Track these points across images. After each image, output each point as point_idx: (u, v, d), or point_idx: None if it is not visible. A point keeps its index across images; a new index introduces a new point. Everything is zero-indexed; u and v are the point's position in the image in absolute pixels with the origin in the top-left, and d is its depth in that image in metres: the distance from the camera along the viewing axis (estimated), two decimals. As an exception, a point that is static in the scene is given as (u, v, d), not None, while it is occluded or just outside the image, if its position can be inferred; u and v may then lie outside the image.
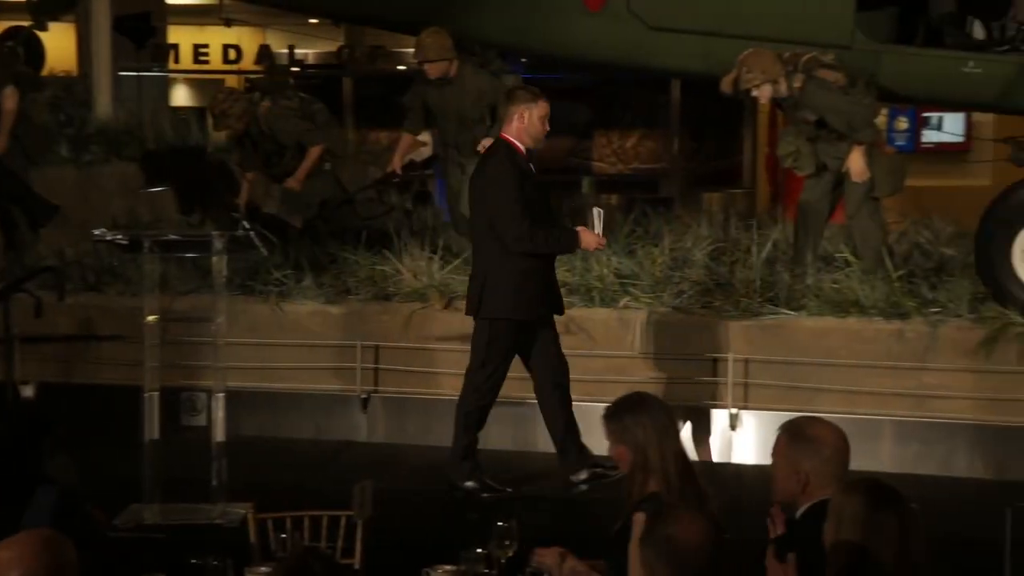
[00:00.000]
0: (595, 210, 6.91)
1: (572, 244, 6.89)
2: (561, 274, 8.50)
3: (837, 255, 8.71)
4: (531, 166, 6.92)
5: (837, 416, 8.09)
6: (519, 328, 6.92)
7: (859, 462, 7.51)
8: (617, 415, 4.32)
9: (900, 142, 13.92)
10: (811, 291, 8.21)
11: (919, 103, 11.13)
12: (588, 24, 9.04)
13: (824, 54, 8.27)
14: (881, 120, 10.01)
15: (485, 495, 6.99)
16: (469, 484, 7.03)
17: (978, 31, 8.73)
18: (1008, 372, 7.64)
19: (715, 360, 8.02)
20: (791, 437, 3.84)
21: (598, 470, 6.98)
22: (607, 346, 8.19)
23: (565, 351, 8.01)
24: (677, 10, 8.89)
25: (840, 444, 3.82)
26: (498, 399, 7.15)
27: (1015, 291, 7.67)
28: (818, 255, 8.57)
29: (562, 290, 8.40)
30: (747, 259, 8.53)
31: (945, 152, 14.06)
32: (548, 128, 6.93)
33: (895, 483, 7.22)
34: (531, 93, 6.92)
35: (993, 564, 5.62)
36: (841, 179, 8.39)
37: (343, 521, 4.67)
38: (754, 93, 8.25)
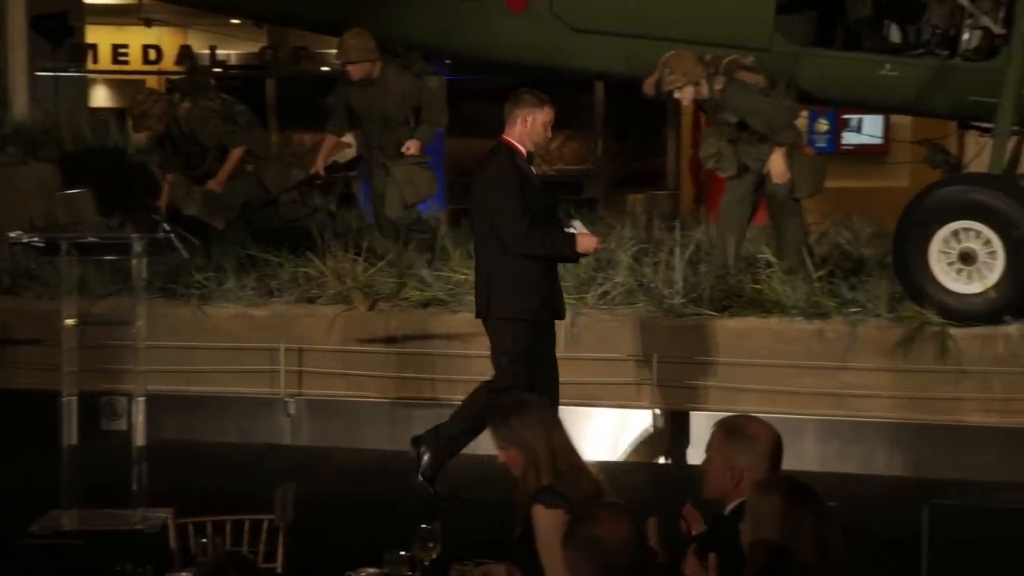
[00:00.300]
0: (574, 222, 6.91)
1: (569, 248, 6.85)
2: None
3: (759, 256, 8.79)
4: (532, 169, 6.94)
5: (759, 415, 8.21)
6: (533, 326, 6.88)
7: (788, 463, 7.65)
8: (504, 419, 4.34)
9: (821, 144, 14.10)
10: (733, 292, 8.28)
11: (838, 105, 11.29)
12: (511, 25, 9.06)
13: (745, 56, 8.35)
14: (802, 122, 10.14)
15: (431, 491, 6.95)
16: (423, 478, 6.96)
17: (895, 35, 8.86)
18: (925, 371, 7.75)
19: (638, 360, 8.06)
20: (727, 433, 3.89)
21: None
22: (529, 347, 8.20)
23: (488, 353, 8.01)
24: (599, 12, 8.93)
25: (775, 442, 3.87)
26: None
27: (932, 291, 7.79)
28: (740, 256, 8.65)
29: (487, 291, 8.46)
30: (670, 260, 8.59)
31: (864, 154, 14.28)
32: (550, 135, 6.93)
33: (816, 481, 7.31)
34: (537, 98, 6.88)
35: (912, 561, 5.70)
36: (762, 180, 8.48)
37: (265, 525, 4.64)
38: (676, 95, 8.31)
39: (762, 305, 8.16)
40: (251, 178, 9.50)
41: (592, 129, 14.16)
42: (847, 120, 14.31)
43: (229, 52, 16.28)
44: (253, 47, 15.58)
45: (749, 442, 3.83)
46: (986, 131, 8.60)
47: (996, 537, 6.06)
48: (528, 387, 6.73)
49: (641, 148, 14.46)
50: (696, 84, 8.23)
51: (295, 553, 4.72)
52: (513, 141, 6.80)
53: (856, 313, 8.00)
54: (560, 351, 8.17)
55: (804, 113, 11.17)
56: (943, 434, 7.73)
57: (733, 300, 8.23)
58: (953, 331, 7.72)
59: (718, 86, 8.26)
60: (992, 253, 7.75)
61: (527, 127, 6.76)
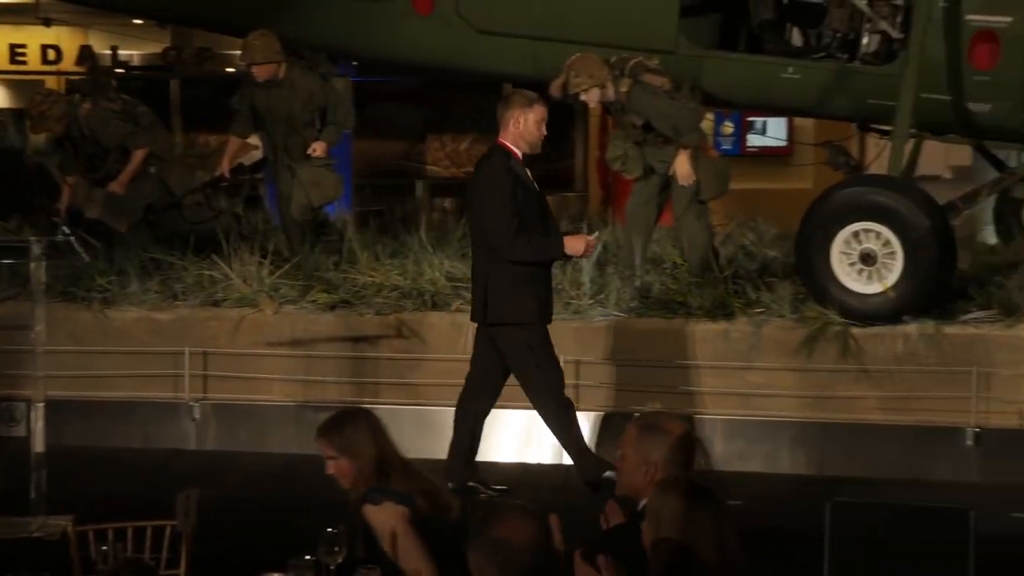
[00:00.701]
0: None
1: (557, 252, 6.86)
2: (392, 277, 8.51)
3: (665, 257, 8.87)
4: (528, 171, 6.93)
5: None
6: (534, 327, 6.88)
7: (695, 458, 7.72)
8: (336, 428, 4.39)
9: (726, 146, 14.24)
10: (640, 293, 8.35)
11: (743, 108, 11.42)
12: (417, 27, 9.05)
13: (649, 59, 8.43)
14: (707, 124, 10.26)
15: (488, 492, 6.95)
16: (602, 475, 6.88)
17: (797, 38, 8.99)
18: (828, 370, 7.88)
19: (547, 362, 8.08)
20: (642, 429, 3.93)
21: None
22: (440, 349, 8.21)
23: (396, 355, 8.01)
24: (504, 14, 8.96)
25: (689, 438, 3.93)
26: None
27: (834, 291, 7.92)
28: (647, 257, 8.72)
29: (393, 294, 8.44)
30: (577, 261, 8.63)
31: (769, 156, 14.44)
32: (545, 132, 6.93)
33: (722, 480, 7.39)
34: (526, 98, 6.91)
35: (815, 558, 5.78)
36: (668, 182, 8.55)
37: (168, 531, 4.59)
38: (582, 97, 8.36)
39: (668, 306, 8.23)
40: (154, 180, 9.39)
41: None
42: (752, 122, 14.46)
43: (132, 53, 16.04)
44: (156, 48, 15.37)
45: (663, 438, 3.87)
46: (885, 133, 8.76)
47: (897, 534, 6.17)
48: (562, 382, 6.86)
49: (549, 150, 14.48)
50: (602, 86, 8.29)
51: (200, 559, 4.67)
52: (508, 144, 6.84)
53: (760, 313, 8.11)
54: (467, 353, 8.21)
55: (709, 115, 11.32)
56: (845, 432, 7.86)
57: (640, 301, 8.29)
58: (854, 331, 7.85)
59: (623, 88, 8.32)
60: (891, 254, 7.89)
61: (520, 128, 6.79)
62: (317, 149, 8.92)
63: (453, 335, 8.21)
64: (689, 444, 3.88)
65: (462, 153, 14.24)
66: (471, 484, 7.02)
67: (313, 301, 8.44)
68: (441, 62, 9.33)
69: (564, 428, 7.00)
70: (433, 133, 14.23)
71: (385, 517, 4.19)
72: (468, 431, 7.03)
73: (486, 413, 7.08)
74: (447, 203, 13.20)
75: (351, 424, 4.39)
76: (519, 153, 6.83)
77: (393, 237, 9.54)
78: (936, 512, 6.18)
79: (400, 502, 4.22)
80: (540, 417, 7.04)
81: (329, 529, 4.15)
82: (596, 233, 7.23)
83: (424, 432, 8.08)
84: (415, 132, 14.19)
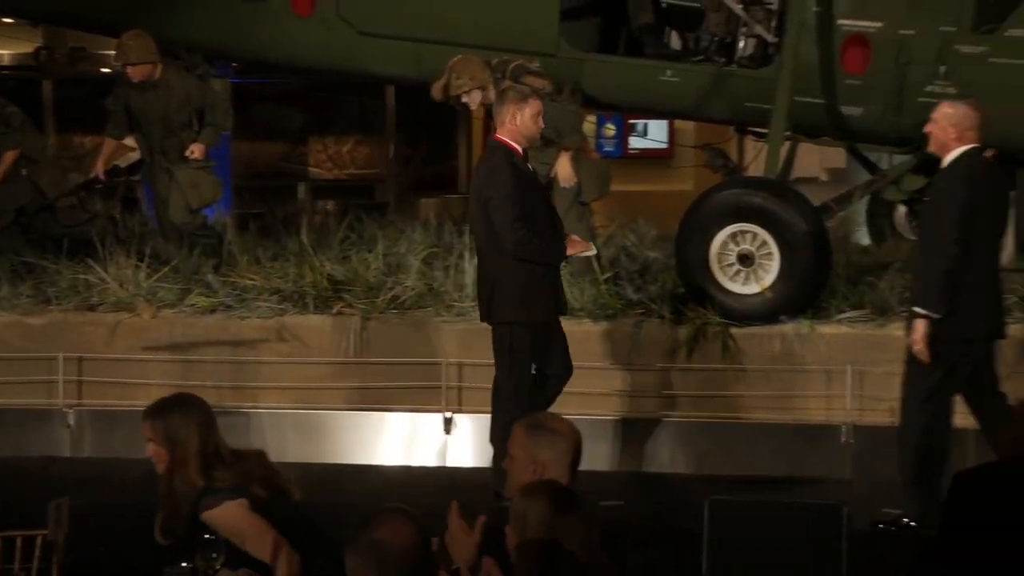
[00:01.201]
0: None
1: (558, 255, 6.89)
2: (272, 280, 8.44)
3: (546, 258, 8.90)
4: (529, 166, 6.93)
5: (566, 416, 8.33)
6: (536, 329, 6.86)
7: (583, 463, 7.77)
8: (161, 413, 4.34)
9: (608, 148, 14.37)
10: (522, 294, 8.38)
11: (623, 110, 11.54)
12: (297, 28, 8.99)
13: (530, 61, 8.48)
14: (589, 127, 10.34)
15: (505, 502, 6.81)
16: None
17: (675, 42, 9.11)
18: (708, 369, 7.99)
19: (429, 364, 8.10)
20: (529, 429, 3.98)
21: None
22: (321, 353, 8.17)
23: (277, 359, 7.95)
24: (386, 16, 8.94)
25: (576, 438, 3.97)
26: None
27: (713, 292, 8.04)
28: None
29: (274, 297, 8.38)
30: (460, 264, 8.65)
31: (650, 158, 14.61)
32: (543, 125, 6.92)
33: (603, 481, 7.46)
34: (520, 93, 6.89)
35: (694, 555, 5.87)
36: (550, 184, 8.60)
37: (39, 540, 4.50)
38: (464, 99, 8.37)
39: (550, 307, 8.27)
40: (26, 182, 9.21)
41: (383, 133, 14.15)
42: (633, 125, 14.63)
43: (2, 52, 15.69)
44: (28, 47, 15.04)
45: (551, 437, 3.92)
46: (762, 136, 8.92)
47: (773, 531, 6.28)
48: (527, 390, 6.81)
49: (433, 152, 14.51)
50: (483, 88, 8.31)
51: (72, 568, 4.59)
52: (507, 140, 6.82)
53: (641, 314, 8.20)
54: (350, 356, 8.19)
55: (591, 118, 11.41)
56: (724, 431, 7.98)
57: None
58: (733, 331, 7.98)
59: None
60: (768, 255, 8.04)
61: (517, 124, 6.78)
62: (195, 151, 8.82)
63: (335, 338, 8.18)
64: (576, 443, 3.93)
65: (345, 155, 14.19)
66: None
67: (192, 305, 8.34)
68: (322, 64, 9.29)
69: (506, 439, 6.97)
70: (315, 135, 14.16)
71: (226, 515, 4.15)
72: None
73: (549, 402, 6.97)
74: (329, 205, 13.14)
75: (178, 414, 4.30)
76: (519, 148, 6.85)
77: (274, 240, 9.47)
78: (811, 508, 6.31)
79: (234, 495, 4.18)
80: (491, 419, 6.98)
81: (206, 536, 4.11)
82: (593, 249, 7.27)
83: (306, 436, 8.05)
84: (297, 134, 14.11)
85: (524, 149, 6.88)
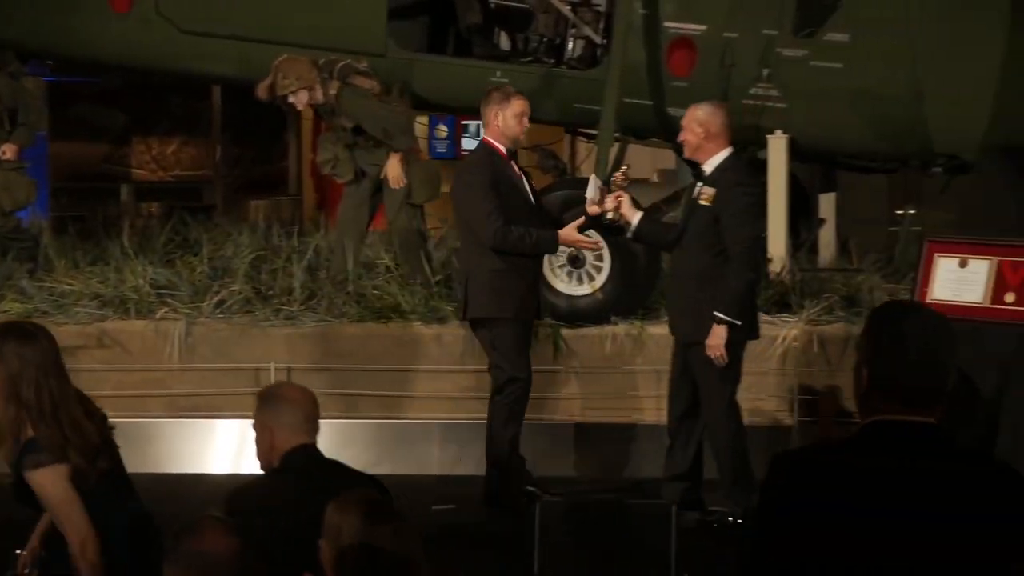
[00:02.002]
0: (591, 178, 6.91)
1: (549, 245, 6.88)
2: (92, 285, 8.25)
3: (378, 261, 8.90)
4: (514, 165, 6.87)
5: (383, 421, 8.36)
6: (514, 326, 6.80)
7: (406, 467, 7.76)
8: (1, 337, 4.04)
9: (441, 149, 14.39)
10: (352, 297, 8.36)
11: (453, 111, 11.57)
12: (115, 26, 8.80)
13: (358, 61, 8.45)
14: (421, 128, 10.34)
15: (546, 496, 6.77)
16: (530, 489, 6.83)
17: (505, 42, 9.18)
18: (542, 371, 8.05)
19: (257, 369, 8.01)
20: (262, 399, 4.11)
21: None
22: (144, 359, 8.02)
23: (97, 365, 7.76)
24: (208, 14, 8.81)
25: (307, 403, 4.07)
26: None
27: (545, 293, 8.10)
28: (359, 261, 8.74)
29: (93, 303, 8.19)
30: (288, 267, 8.57)
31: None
32: (527, 124, 6.91)
33: (435, 485, 7.45)
34: (503, 94, 6.86)
35: (525, 557, 5.92)
36: (380, 186, 8.59)
37: None
38: (290, 99, 8.30)
39: (381, 311, 8.27)
40: None
41: (209, 134, 13.94)
42: (466, 126, 14.66)
43: None
44: None
45: (281, 404, 4.03)
46: (591, 137, 9.04)
47: (605, 531, 6.39)
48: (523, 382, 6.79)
49: (261, 153, 14.36)
50: (310, 88, 8.25)
51: None
52: (492, 140, 6.85)
53: (473, 317, 8.23)
54: (175, 362, 8.05)
55: (423, 119, 11.41)
56: (557, 433, 8.05)
57: (352, 306, 8.30)
58: (565, 332, 8.06)
59: (332, 91, 8.31)
60: (599, 255, 8.15)
61: (499, 125, 6.80)
62: (7, 152, 8.57)
63: (158, 344, 8.03)
64: (308, 408, 4.04)
65: (169, 156, 13.94)
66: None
67: (5, 311, 8.10)
68: (142, 62, 9.10)
69: (502, 451, 6.95)
70: (138, 135, 13.88)
71: (43, 481, 3.96)
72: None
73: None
74: (154, 207, 12.90)
75: (12, 342, 3.99)
76: (503, 149, 6.85)
77: (94, 243, 9.25)
78: (640, 508, 6.44)
79: (55, 459, 3.96)
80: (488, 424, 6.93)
81: (18, 551, 4.01)
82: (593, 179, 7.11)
83: (129, 446, 7.82)
84: (119, 134, 13.81)
85: (509, 149, 6.91)
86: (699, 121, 6.56)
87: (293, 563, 3.46)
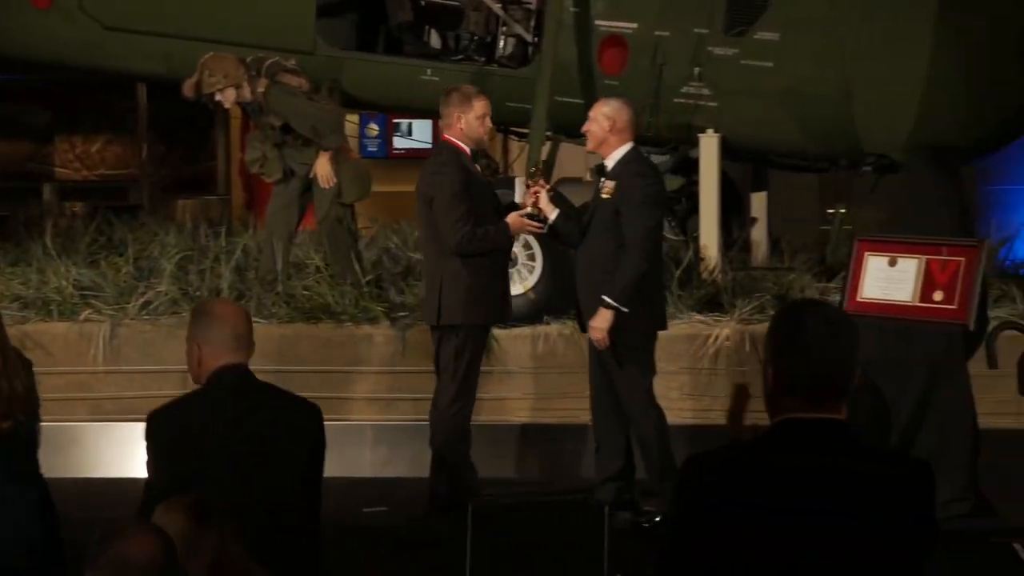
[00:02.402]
0: (517, 181, 6.80)
1: (503, 238, 6.73)
2: (13, 287, 8.15)
3: (308, 261, 8.87)
4: (478, 167, 6.81)
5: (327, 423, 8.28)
6: (483, 333, 6.76)
7: (337, 469, 7.73)
8: None
9: (372, 148, 14.37)
10: (281, 298, 8.32)
11: (384, 109, 11.56)
12: (35, 22, 8.69)
13: (287, 59, 8.41)
14: (352, 126, 10.32)
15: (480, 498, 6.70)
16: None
17: (435, 40, 9.18)
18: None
19: (184, 372, 7.91)
20: (193, 314, 4.11)
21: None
22: (67, 362, 7.92)
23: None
24: (133, 10, 8.73)
25: (238, 320, 4.01)
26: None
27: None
28: (288, 261, 8.70)
29: (15, 304, 8.09)
30: (216, 267, 8.51)
31: (415, 158, 14.63)
32: (490, 125, 6.82)
33: (366, 487, 7.43)
34: (462, 95, 6.72)
35: (457, 560, 5.92)
36: (309, 185, 8.56)
37: None
38: (217, 97, 8.25)
39: (311, 311, 8.24)
40: None
41: (135, 132, 13.82)
42: (397, 124, 14.65)
43: None
44: None
45: (215, 321, 3.97)
46: (523, 136, 9.07)
47: (537, 533, 6.40)
48: (472, 398, 6.72)
49: (189, 152, 14.24)
50: (238, 87, 8.21)
51: None
52: (454, 140, 6.70)
53: (404, 317, 8.22)
54: (100, 365, 7.96)
55: (353, 118, 11.38)
56: (490, 434, 8.05)
57: (282, 307, 8.26)
58: (497, 332, 8.07)
59: (261, 89, 8.26)
60: (531, 255, 8.17)
61: (462, 127, 6.67)
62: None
63: (81, 346, 7.94)
64: (243, 328, 4.00)
65: (94, 154, 13.79)
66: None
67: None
68: (64, 59, 9.00)
69: (446, 453, 6.88)
70: (62, 133, 13.71)
71: None
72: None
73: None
74: (78, 207, 12.75)
75: None
76: (467, 149, 6.74)
77: (16, 244, 9.13)
78: (573, 508, 6.45)
79: None
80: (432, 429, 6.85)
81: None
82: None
83: (52, 450, 7.73)
84: (42, 132, 13.64)
85: (473, 150, 6.85)
86: (606, 115, 6.58)
87: (219, 483, 3.42)
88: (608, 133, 6.58)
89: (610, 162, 6.66)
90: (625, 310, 6.47)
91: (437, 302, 6.72)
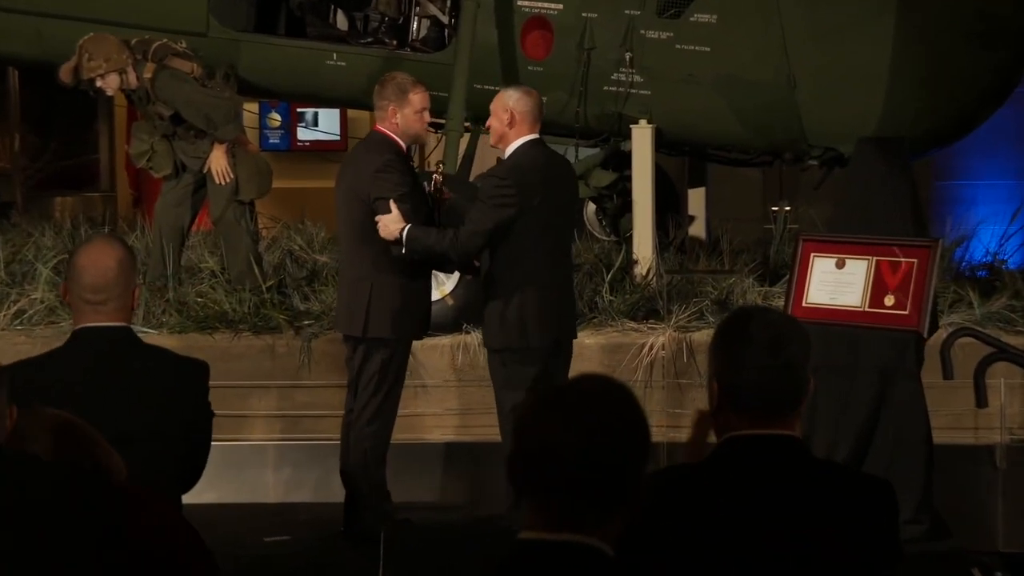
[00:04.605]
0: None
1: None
2: None
3: (202, 265, 8.82)
4: (412, 164, 6.74)
5: (216, 443, 8.22)
6: (408, 347, 6.77)
7: (236, 494, 7.68)
8: None
9: (273, 140, 14.31)
10: (172, 306, 8.26)
11: (283, 97, 11.51)
12: None
13: (176, 41, 8.36)
14: (250, 116, 10.27)
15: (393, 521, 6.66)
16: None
17: (343, 23, 9.17)
18: (384, 385, 8.06)
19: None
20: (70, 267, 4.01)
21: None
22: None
23: None
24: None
25: (88, 263, 3.93)
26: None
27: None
28: (180, 265, 8.64)
29: None
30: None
31: (321, 151, 14.61)
32: (428, 119, 6.74)
33: (268, 515, 7.38)
34: (397, 87, 6.62)
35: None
36: (203, 181, 8.51)
37: None
38: (99, 83, 8.19)
39: (206, 320, 8.19)
40: None
41: (6, 122, 13.65)
42: (302, 114, 14.60)
43: None
44: None
45: (74, 269, 3.93)
46: (440, 127, 9.07)
47: (457, 562, 6.41)
48: (394, 416, 6.70)
49: (68, 144, 14.10)
50: (121, 71, 8.15)
51: None
52: (389, 133, 6.62)
53: (309, 326, 8.20)
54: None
55: (253, 106, 11.33)
56: (405, 452, 8.05)
57: (172, 315, 8.21)
58: (412, 342, 8.06)
59: (147, 74, 8.21)
60: (449, 258, 8.17)
61: (397, 123, 6.60)
62: None
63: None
64: (89, 272, 3.91)
65: (-39, 146, 13.60)
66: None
67: None
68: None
69: (363, 471, 6.84)
70: (-76, 124, 13.51)
71: None
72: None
73: None
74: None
75: None
76: (403, 144, 6.67)
77: None
78: (499, 536, 6.48)
79: None
80: (342, 448, 6.84)
81: None
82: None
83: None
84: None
85: (408, 145, 6.80)
86: (504, 107, 6.48)
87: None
88: (507, 127, 6.51)
89: (506, 157, 6.60)
90: (403, 250, 6.42)
91: (364, 312, 6.66)
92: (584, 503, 2.30)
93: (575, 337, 6.76)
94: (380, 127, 6.77)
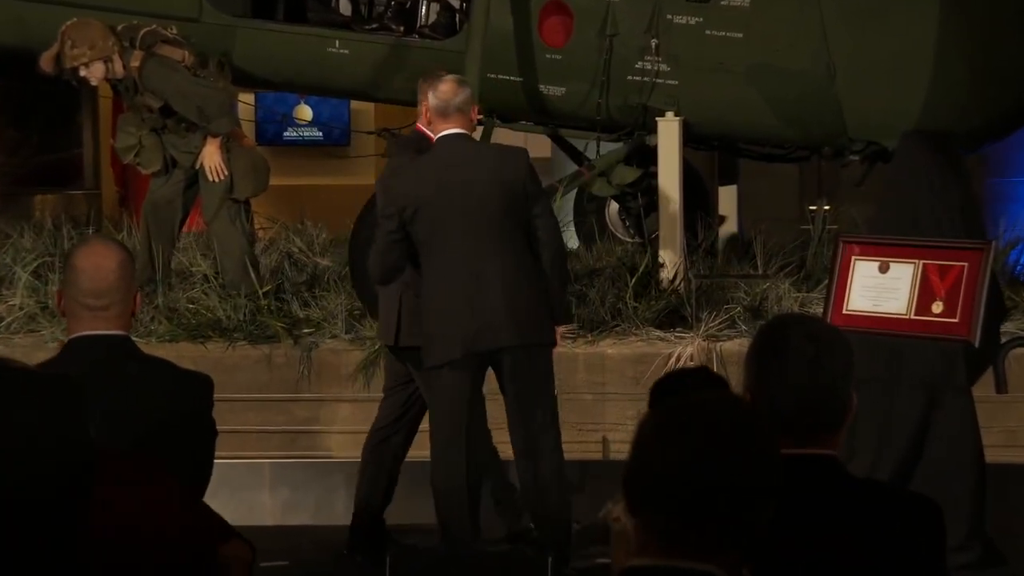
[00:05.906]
0: None
1: None
2: None
3: (194, 268, 8.85)
4: None
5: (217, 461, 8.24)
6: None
7: (230, 514, 7.69)
8: None
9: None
10: (162, 312, 8.30)
11: (283, 88, 11.52)
12: None
13: (166, 28, 8.39)
14: (246, 108, 10.29)
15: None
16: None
17: (345, 6, 9.19)
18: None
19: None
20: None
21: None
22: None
23: None
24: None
25: (88, 266, 3.91)
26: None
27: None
28: (171, 268, 8.67)
29: None
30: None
31: (322, 146, 14.65)
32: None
33: (267, 537, 7.42)
34: (427, 80, 6.68)
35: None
36: (195, 178, 8.53)
37: None
38: (82, 73, 8.24)
39: (198, 328, 8.22)
40: None
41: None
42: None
43: None
44: None
45: (72, 270, 3.93)
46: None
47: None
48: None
49: (49, 139, 14.15)
50: (107, 60, 8.19)
51: None
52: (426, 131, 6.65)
53: (309, 335, 8.23)
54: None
55: (249, 98, 11.37)
56: (413, 471, 8.06)
57: (161, 322, 8.24)
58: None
59: (135, 63, 8.25)
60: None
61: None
62: None
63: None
64: (87, 272, 3.89)
65: (-68, 142, 13.66)
66: None
67: None
68: None
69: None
70: None
71: None
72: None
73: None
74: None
75: None
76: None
77: None
78: (510, 559, 6.49)
79: None
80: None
81: None
82: None
83: None
84: None
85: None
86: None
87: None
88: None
89: None
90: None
91: (398, 319, 6.75)
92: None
93: (542, 341, 6.60)
94: (418, 125, 6.86)
